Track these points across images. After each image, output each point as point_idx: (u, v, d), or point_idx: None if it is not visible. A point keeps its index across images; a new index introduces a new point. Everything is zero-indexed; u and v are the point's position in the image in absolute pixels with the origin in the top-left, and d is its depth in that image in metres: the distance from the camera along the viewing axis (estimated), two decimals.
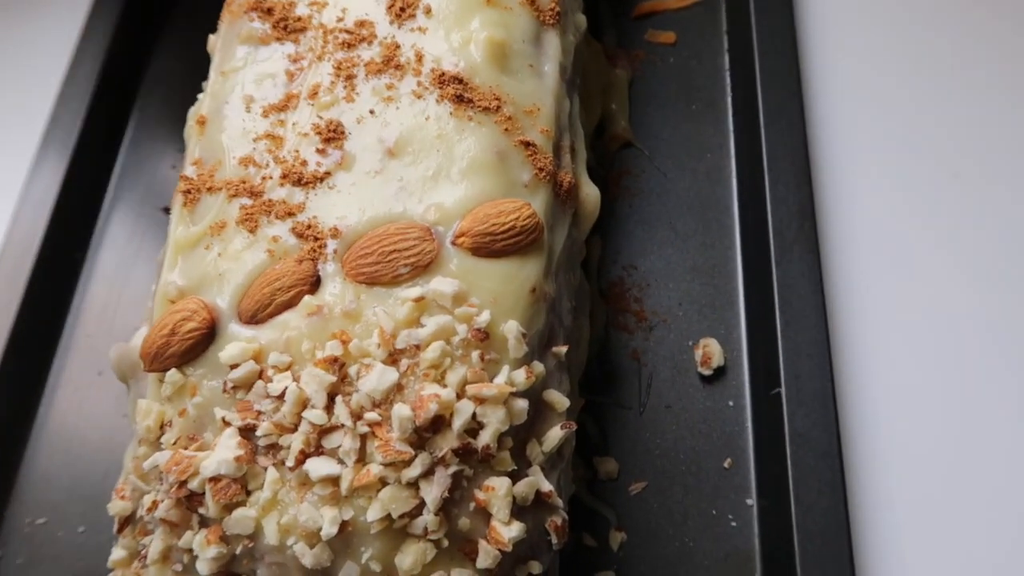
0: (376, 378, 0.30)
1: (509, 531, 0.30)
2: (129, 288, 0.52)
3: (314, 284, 0.32)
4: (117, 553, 0.33)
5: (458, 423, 0.30)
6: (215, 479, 0.30)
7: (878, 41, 0.56)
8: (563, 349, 0.34)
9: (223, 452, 0.30)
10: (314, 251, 0.33)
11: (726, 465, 0.43)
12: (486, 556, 0.30)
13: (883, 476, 0.42)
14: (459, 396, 0.30)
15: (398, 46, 0.37)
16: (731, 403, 0.45)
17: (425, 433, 0.30)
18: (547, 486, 0.31)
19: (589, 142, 0.52)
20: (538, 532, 0.32)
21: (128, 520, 0.32)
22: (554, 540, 0.32)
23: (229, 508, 0.30)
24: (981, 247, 0.48)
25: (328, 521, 0.29)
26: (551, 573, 0.34)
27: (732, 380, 0.45)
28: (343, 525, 0.29)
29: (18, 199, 0.52)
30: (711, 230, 0.50)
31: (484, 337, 0.31)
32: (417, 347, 0.31)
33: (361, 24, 0.38)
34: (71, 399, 0.49)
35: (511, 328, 0.32)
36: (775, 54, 0.52)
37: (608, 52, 0.56)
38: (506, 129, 0.35)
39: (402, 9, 0.38)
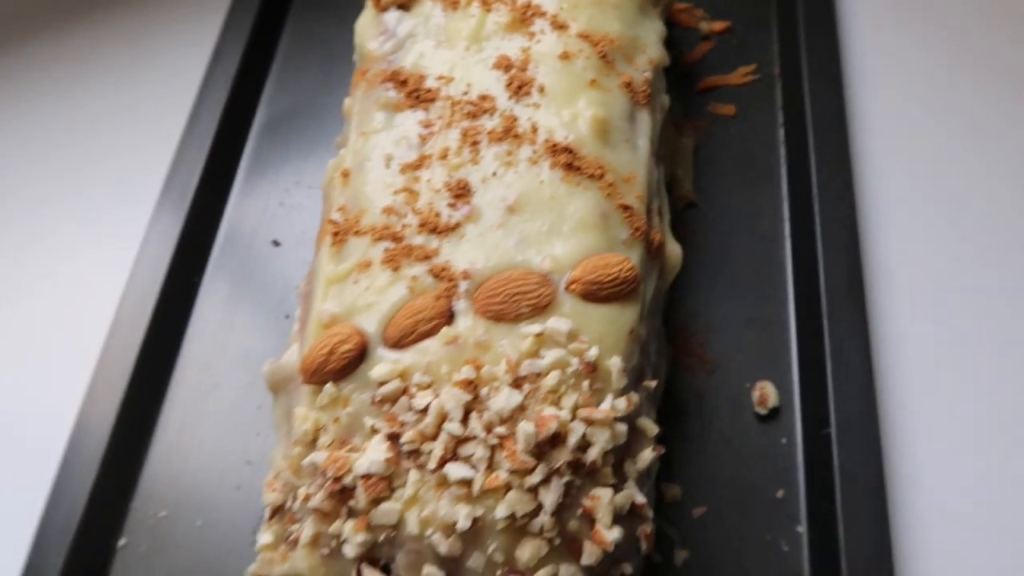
0: (504, 399, 0.36)
1: (611, 534, 0.35)
2: (240, 313, 0.58)
3: (449, 318, 0.38)
4: (265, 537, 0.38)
5: (572, 440, 0.35)
6: (366, 476, 0.35)
7: (929, 115, 0.62)
8: (652, 383, 0.40)
9: (374, 454, 0.36)
10: (448, 290, 0.39)
11: (779, 495, 0.49)
12: (590, 555, 0.35)
13: (928, 512, 0.47)
14: (572, 418, 0.36)
15: (516, 118, 0.43)
16: (784, 440, 0.50)
17: (544, 447, 0.35)
18: (641, 499, 0.37)
19: None
20: (631, 538, 0.37)
21: (278, 510, 0.38)
22: (643, 546, 0.37)
23: (376, 502, 0.35)
24: None
25: (463, 516, 0.34)
26: None
27: (785, 420, 0.51)
28: (475, 520, 0.35)
29: (147, 228, 0.59)
30: (766, 286, 0.56)
31: (592, 369, 0.37)
32: (537, 375, 0.36)
33: (483, 98, 0.44)
34: (188, 409, 0.55)
35: (615, 363, 0.38)
36: (827, 130, 0.59)
37: (676, 122, 0.62)
38: (608, 194, 0.42)
39: (519, 87, 0.44)
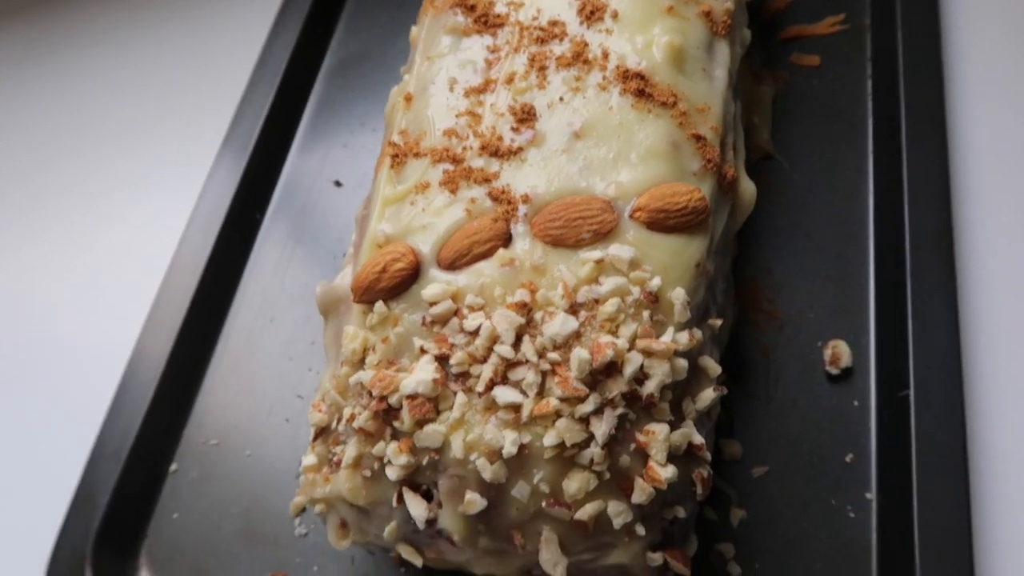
0: (559, 324, 0.34)
1: (665, 471, 0.33)
2: (300, 249, 0.58)
3: (506, 240, 0.37)
4: (309, 459, 0.38)
5: (629, 370, 0.33)
6: (412, 396, 0.34)
7: None
8: (718, 322, 0.38)
9: (421, 374, 0.34)
10: (507, 213, 0.37)
11: (848, 459, 0.46)
12: (641, 492, 0.33)
13: (1010, 485, 0.44)
14: (630, 348, 0.34)
15: (587, 44, 0.41)
16: (856, 403, 0.47)
17: (599, 376, 0.34)
18: (699, 439, 0.35)
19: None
20: (686, 480, 0.35)
21: (323, 431, 0.37)
22: (699, 490, 0.35)
23: (421, 424, 0.34)
24: None
25: (509, 442, 0.33)
26: (690, 524, 0.37)
27: (859, 381, 0.48)
28: (521, 447, 0.33)
29: (213, 164, 0.59)
30: (845, 242, 0.52)
31: (654, 300, 0.35)
32: (596, 301, 0.35)
33: (554, 23, 0.42)
34: (244, 342, 0.55)
35: (678, 295, 0.35)
36: (920, 83, 0.55)
37: (754, 70, 0.59)
38: (680, 123, 0.39)
39: (592, 12, 0.42)
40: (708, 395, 0.36)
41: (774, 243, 0.53)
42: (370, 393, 0.35)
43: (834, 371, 0.48)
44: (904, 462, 0.43)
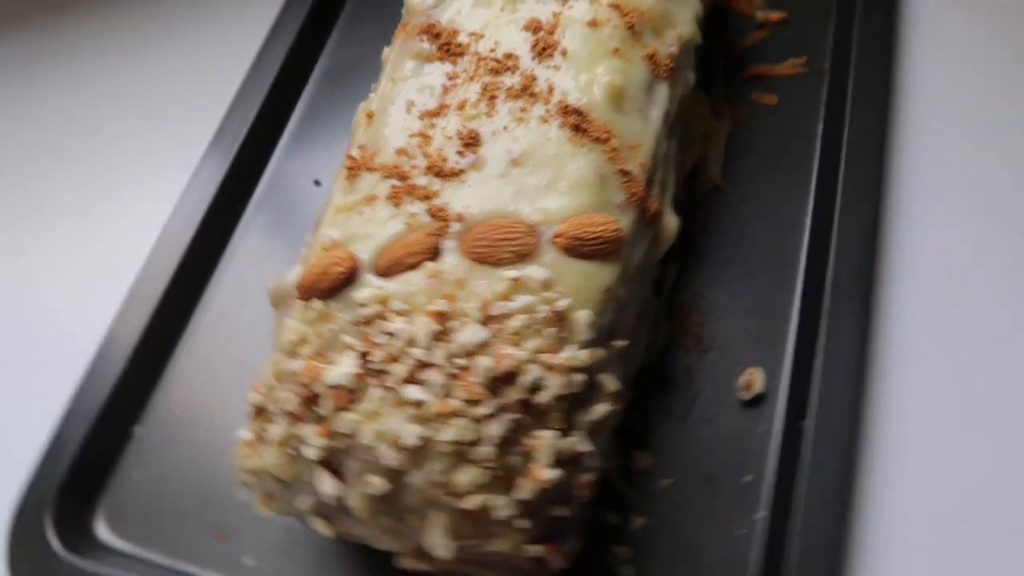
0: (470, 334, 0.38)
1: (545, 472, 0.37)
2: (277, 242, 0.62)
3: (436, 254, 0.41)
4: (245, 435, 0.42)
5: (525, 380, 0.37)
6: (334, 387, 0.38)
7: (975, 138, 0.60)
8: (622, 343, 0.42)
9: (343, 367, 0.38)
10: (440, 229, 0.41)
11: (746, 480, 0.49)
12: (523, 489, 0.37)
13: (895, 518, 0.47)
14: (531, 361, 0.38)
15: (535, 78, 0.45)
16: (762, 428, 0.51)
17: (499, 384, 0.37)
18: (585, 448, 0.38)
19: (683, 181, 0.59)
20: (570, 484, 0.39)
21: (259, 411, 0.41)
22: (580, 493, 0.39)
23: (339, 411, 0.38)
24: None
25: (412, 434, 0.37)
26: (576, 526, 0.41)
27: (767, 409, 0.51)
28: (422, 440, 0.37)
29: (199, 163, 0.63)
30: (777, 276, 0.56)
31: (560, 319, 0.39)
32: (506, 316, 0.39)
33: (508, 56, 0.46)
34: (216, 322, 0.59)
35: (583, 315, 0.39)
36: (864, 129, 0.58)
37: (714, 104, 0.63)
38: (610, 158, 0.43)
39: (543, 49, 0.46)
40: (602, 408, 0.40)
41: (712, 271, 0.57)
42: (299, 380, 0.39)
43: (746, 396, 0.51)
44: (793, 488, 0.46)
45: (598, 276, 0.41)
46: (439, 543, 0.38)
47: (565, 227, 0.41)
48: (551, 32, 0.47)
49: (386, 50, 0.52)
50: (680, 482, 0.50)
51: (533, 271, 0.40)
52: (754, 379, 0.52)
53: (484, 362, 0.37)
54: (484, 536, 0.38)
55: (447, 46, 0.48)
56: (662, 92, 0.47)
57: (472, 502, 0.37)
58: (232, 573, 0.50)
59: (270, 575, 0.49)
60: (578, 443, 0.38)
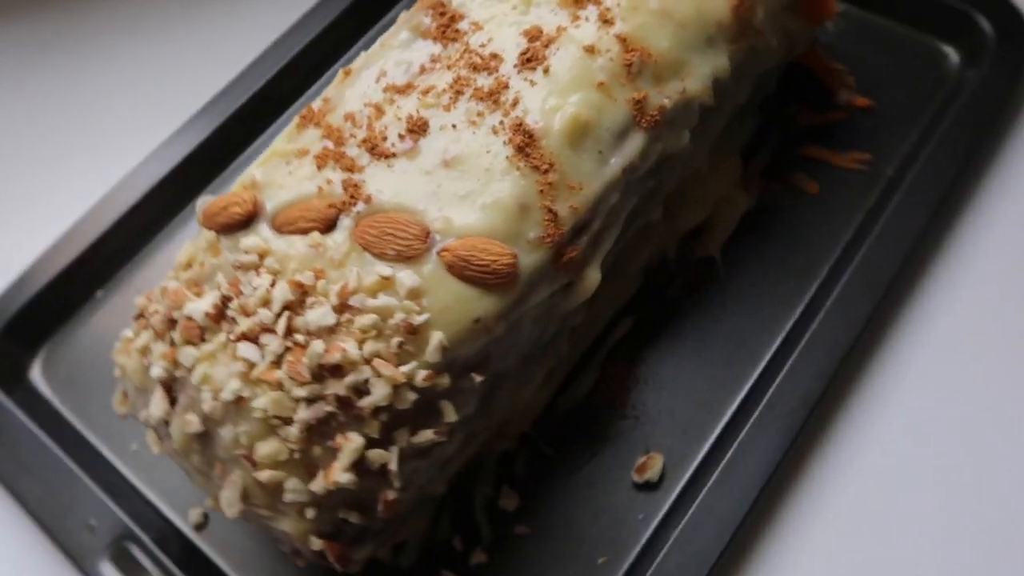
0: (318, 314, 0.38)
1: (340, 476, 0.36)
2: None
3: (330, 227, 0.40)
4: (127, 332, 0.44)
5: (351, 379, 0.37)
6: (189, 318, 0.39)
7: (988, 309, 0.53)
8: (479, 378, 0.40)
9: (202, 304, 0.39)
10: (345, 204, 0.41)
11: (600, 561, 0.47)
12: (317, 482, 0.37)
13: None
14: (364, 361, 0.37)
15: (507, 87, 0.43)
16: (641, 516, 0.48)
17: (324, 372, 0.37)
18: (393, 464, 0.37)
19: (677, 239, 0.55)
20: (368, 493, 0.38)
21: (140, 315, 0.43)
22: (380, 508, 0.38)
23: (186, 342, 0.39)
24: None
25: (231, 390, 0.37)
26: (369, 533, 0.40)
27: (653, 499, 0.48)
28: (239, 398, 0.37)
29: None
30: (731, 373, 0.52)
31: (412, 332, 0.38)
32: (361, 310, 0.38)
33: (493, 56, 0.45)
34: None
35: (436, 336, 0.38)
36: (889, 259, 0.53)
37: (747, 173, 0.58)
38: (541, 191, 0.41)
39: (529, 60, 0.44)
40: (426, 435, 0.38)
41: (668, 341, 0.54)
42: (168, 301, 0.40)
43: (638, 479, 0.49)
44: None
45: (473, 304, 0.39)
46: (229, 501, 0.38)
47: (457, 244, 0.39)
48: (545, 45, 0.44)
49: (404, 13, 0.51)
50: (536, 535, 0.48)
51: (405, 275, 0.38)
52: (652, 464, 0.49)
53: (316, 346, 0.37)
54: (273, 511, 0.39)
55: (445, 28, 0.46)
56: (635, 142, 0.44)
57: (265, 475, 0.37)
58: (118, 453, 0.53)
59: (148, 461, 0.52)
60: (388, 459, 0.37)
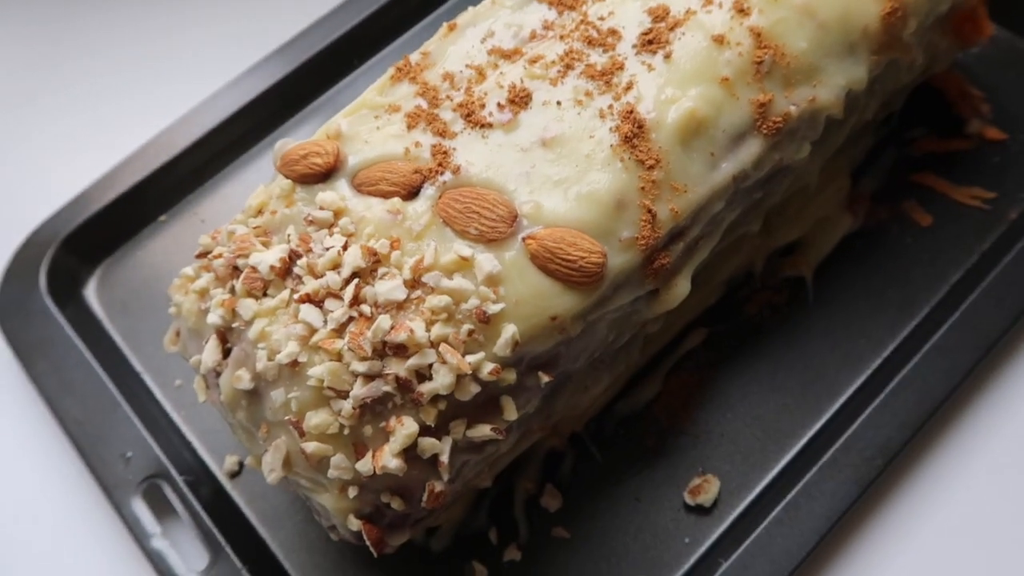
0: (389, 288, 0.35)
1: (389, 460, 0.34)
2: None
3: (412, 194, 0.38)
4: (187, 270, 0.42)
5: (413, 361, 0.34)
6: (253, 269, 0.37)
7: None
8: (546, 378, 0.37)
9: (269, 256, 0.37)
10: (432, 171, 0.38)
11: None
12: (364, 463, 0.35)
13: None
14: (431, 345, 0.35)
15: (622, 68, 0.40)
16: (687, 540, 0.45)
17: (388, 350, 0.35)
18: (445, 456, 0.35)
19: (768, 254, 0.51)
20: (416, 481, 0.36)
21: (204, 255, 0.41)
22: (425, 498, 0.36)
23: (247, 294, 0.37)
24: None
25: (287, 353, 0.35)
26: (409, 520, 0.38)
27: (702, 525, 0.46)
28: (295, 363, 0.35)
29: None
30: (805, 402, 0.48)
31: (485, 321, 0.35)
32: (434, 290, 0.35)
33: (612, 32, 0.41)
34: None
35: (509, 330, 0.35)
36: (1000, 310, 0.48)
37: (854, 195, 0.53)
38: (642, 187, 0.38)
39: (651, 42, 0.40)
40: (483, 430, 0.36)
41: (742, 361, 0.50)
42: (234, 247, 0.38)
43: (690, 501, 0.46)
44: None
45: (552, 299, 0.36)
46: (271, 466, 0.36)
47: (544, 233, 0.36)
48: (671, 28, 0.41)
49: None
50: (575, 541, 0.46)
51: (485, 259, 0.36)
52: (708, 488, 0.46)
53: (383, 322, 0.35)
54: (314, 484, 0.37)
55: None
56: (752, 148, 0.40)
57: (312, 447, 0.35)
58: (162, 387, 0.52)
59: (191, 400, 0.51)
60: (440, 449, 0.35)
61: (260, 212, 0.40)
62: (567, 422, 0.47)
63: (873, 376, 0.48)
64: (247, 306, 0.37)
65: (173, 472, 0.47)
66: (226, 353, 0.39)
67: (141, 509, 0.46)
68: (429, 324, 0.35)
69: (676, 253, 0.39)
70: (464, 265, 0.36)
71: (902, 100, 0.55)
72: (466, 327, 0.35)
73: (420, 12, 0.63)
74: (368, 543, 0.37)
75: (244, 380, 0.37)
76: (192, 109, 0.59)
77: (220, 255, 0.39)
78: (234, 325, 0.38)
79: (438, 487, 0.36)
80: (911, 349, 0.48)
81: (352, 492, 0.36)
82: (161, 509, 0.47)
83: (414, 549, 0.46)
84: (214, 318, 0.38)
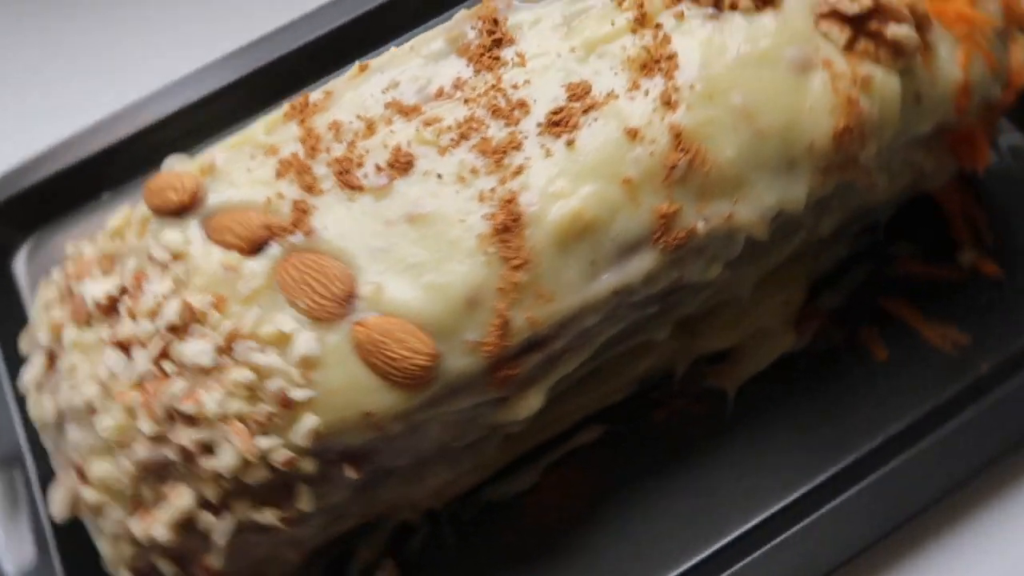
0: (196, 350, 0.33)
1: (159, 529, 0.33)
2: None
3: (255, 249, 0.35)
4: (55, 275, 0.40)
5: (199, 435, 0.32)
6: (81, 298, 0.36)
7: None
8: (353, 474, 0.34)
9: (98, 288, 0.36)
10: (284, 229, 0.35)
11: None
12: (136, 524, 0.33)
13: None
14: (221, 420, 0.32)
15: (519, 149, 0.36)
16: None
17: (176, 416, 0.33)
18: (220, 537, 0.33)
19: (689, 357, 0.47)
20: (194, 554, 0.34)
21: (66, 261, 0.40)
22: (198, 573, 0.34)
23: (72, 321, 0.36)
24: None
25: (83, 394, 0.34)
26: None
27: None
28: (91, 406, 0.34)
29: None
30: (684, 532, 0.44)
31: (287, 405, 0.33)
32: (242, 363, 0.33)
33: (521, 105, 0.37)
34: None
35: (310, 421, 0.32)
36: (930, 473, 0.43)
37: (807, 310, 0.48)
38: (501, 288, 0.34)
39: (556, 123, 0.36)
40: (269, 516, 0.34)
41: (632, 469, 0.46)
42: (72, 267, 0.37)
43: None
44: None
45: (369, 395, 0.33)
46: (57, 503, 0.35)
47: (375, 322, 0.33)
48: (585, 111, 0.36)
49: (460, 13, 0.43)
50: None
51: (305, 340, 0.33)
52: None
53: (176, 386, 0.32)
54: (95, 527, 0.35)
55: (486, 50, 0.39)
56: (643, 262, 0.35)
57: (90, 494, 0.33)
58: None
59: None
60: (217, 529, 0.33)
61: (117, 234, 0.38)
62: (426, 498, 0.44)
63: (768, 521, 0.43)
64: (67, 335, 0.36)
65: (29, 462, 0.46)
66: (51, 367, 0.37)
67: None
68: (227, 397, 0.32)
69: (529, 364, 0.35)
70: (282, 340, 0.33)
71: (889, 212, 0.49)
72: (265, 408, 0.32)
73: (402, 27, 0.60)
74: None
75: (48, 411, 0.35)
76: (152, 92, 0.58)
77: (62, 270, 0.38)
78: (56, 350, 0.36)
79: (210, 561, 0.34)
80: (820, 500, 0.43)
81: (125, 548, 0.34)
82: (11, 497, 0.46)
83: None
84: (42, 336, 0.37)
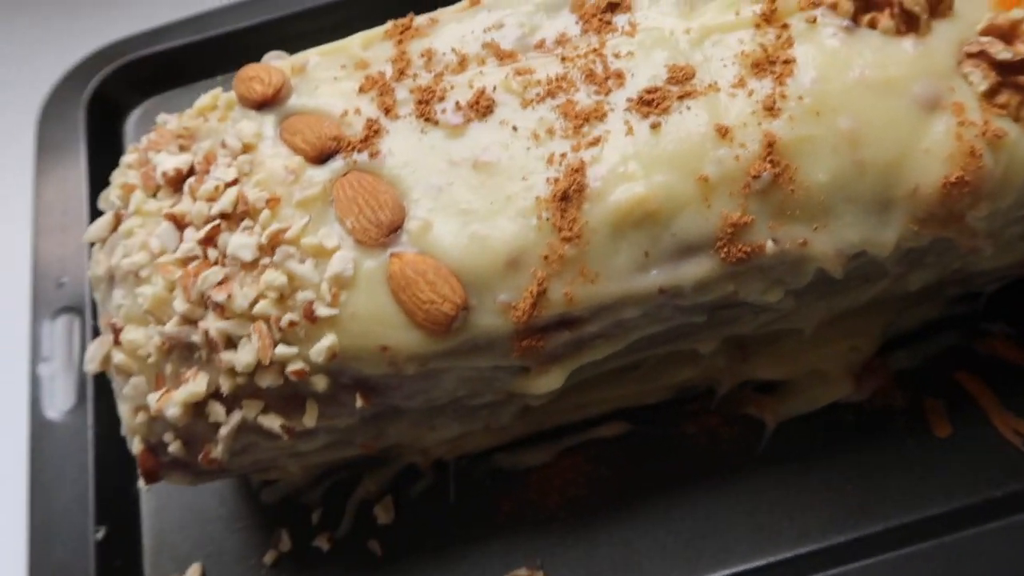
0: (239, 243, 0.34)
1: (170, 408, 0.34)
2: None
3: (321, 159, 0.35)
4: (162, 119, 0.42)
5: (226, 326, 0.33)
6: (153, 167, 0.37)
7: None
8: (361, 402, 0.34)
9: (169, 163, 0.37)
10: (352, 145, 0.35)
11: None
12: (153, 397, 0.35)
13: None
14: (249, 317, 0.33)
15: (602, 118, 0.34)
16: None
17: (209, 303, 0.34)
18: (225, 430, 0.34)
19: (737, 378, 0.45)
20: (202, 440, 0.35)
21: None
22: (200, 456, 0.35)
23: (143, 187, 0.37)
24: None
25: (133, 260, 0.36)
26: (204, 478, 0.38)
27: None
28: (137, 273, 0.35)
29: None
30: (679, 552, 0.43)
31: (311, 319, 0.33)
32: (278, 265, 0.33)
33: (616, 75, 0.35)
34: None
35: (328, 339, 0.33)
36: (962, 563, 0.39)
37: (872, 364, 0.44)
38: (546, 257, 0.33)
39: (649, 102, 0.34)
40: (273, 422, 0.34)
41: (646, 474, 0.44)
42: (159, 139, 0.38)
43: None
44: None
45: (389, 329, 0.33)
46: (91, 356, 0.36)
47: (413, 258, 0.33)
48: (681, 96, 0.34)
49: None
50: (382, 563, 0.44)
51: (342, 259, 0.33)
52: None
53: (213, 275, 0.33)
54: (120, 389, 0.37)
55: (600, 12, 0.37)
56: (698, 267, 0.33)
57: (119, 358, 0.35)
58: None
59: None
60: (225, 421, 0.34)
61: (202, 113, 0.39)
62: (438, 446, 0.44)
63: (769, 568, 0.41)
64: (135, 199, 0.37)
65: (88, 314, 0.49)
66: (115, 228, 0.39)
67: (48, 333, 0.49)
68: (259, 295, 0.33)
69: (557, 341, 0.34)
70: (321, 253, 0.33)
71: (993, 285, 0.44)
72: (289, 316, 0.33)
73: None
74: (139, 469, 0.37)
75: (102, 266, 0.37)
76: None
77: (149, 140, 0.39)
78: (122, 211, 0.38)
79: (213, 452, 0.35)
80: (827, 562, 0.40)
81: (140, 416, 0.35)
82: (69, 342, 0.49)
83: (242, 490, 0.45)
84: (113, 197, 0.38)
